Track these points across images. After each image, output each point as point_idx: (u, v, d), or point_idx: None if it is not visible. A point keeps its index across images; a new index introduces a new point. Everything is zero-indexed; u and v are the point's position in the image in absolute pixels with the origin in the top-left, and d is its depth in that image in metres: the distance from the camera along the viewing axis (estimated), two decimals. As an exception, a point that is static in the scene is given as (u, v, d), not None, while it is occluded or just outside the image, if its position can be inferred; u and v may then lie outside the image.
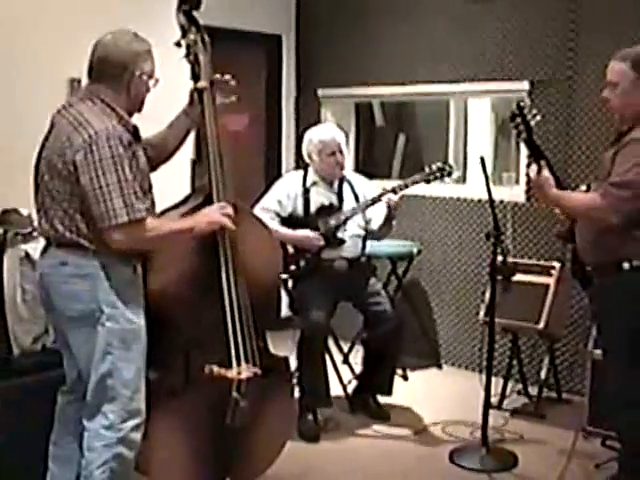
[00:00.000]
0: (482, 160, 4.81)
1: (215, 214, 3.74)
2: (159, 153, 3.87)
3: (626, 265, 3.88)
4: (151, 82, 3.61)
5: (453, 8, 6.52)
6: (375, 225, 5.41)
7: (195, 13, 3.96)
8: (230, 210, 3.78)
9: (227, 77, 3.99)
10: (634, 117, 3.89)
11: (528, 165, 4.08)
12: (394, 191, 5.20)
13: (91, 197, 3.35)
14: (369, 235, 5.49)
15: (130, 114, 3.58)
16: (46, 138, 3.55)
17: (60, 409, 3.79)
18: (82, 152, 3.34)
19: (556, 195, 4.06)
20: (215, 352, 3.82)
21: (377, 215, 5.37)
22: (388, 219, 5.31)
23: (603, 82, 4.01)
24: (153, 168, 3.73)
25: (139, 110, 3.65)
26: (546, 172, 4.04)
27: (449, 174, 5.31)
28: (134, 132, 3.54)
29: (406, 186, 5.23)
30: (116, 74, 3.51)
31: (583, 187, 4.29)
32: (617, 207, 3.80)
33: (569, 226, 4.23)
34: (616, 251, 3.90)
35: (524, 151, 6.12)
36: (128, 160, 3.40)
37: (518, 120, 4.08)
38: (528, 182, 6.02)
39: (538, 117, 4.11)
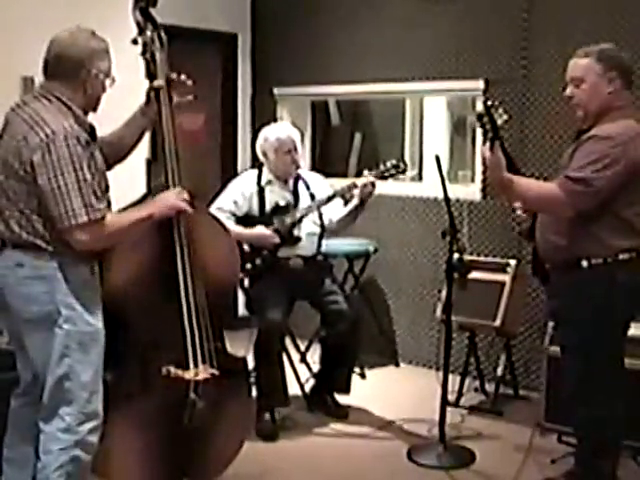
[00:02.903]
0: (437, 158, 4.82)
1: (172, 198, 3.72)
2: (115, 152, 3.83)
3: (585, 263, 3.90)
4: (107, 81, 3.57)
5: (409, 7, 6.53)
6: (335, 218, 5.41)
7: (152, 10, 3.93)
8: (186, 195, 3.77)
9: (183, 77, 3.96)
10: (598, 112, 3.91)
11: (484, 143, 4.00)
12: (349, 188, 5.21)
13: (49, 197, 3.31)
14: (327, 231, 5.49)
15: (85, 113, 3.54)
16: (0, 137, 3.51)
17: (14, 412, 3.74)
18: (39, 152, 3.30)
19: (512, 178, 3.99)
20: (172, 353, 3.81)
21: (336, 210, 5.39)
22: (356, 211, 5.31)
23: (557, 81, 4.04)
24: (108, 167, 3.69)
25: (94, 110, 3.61)
26: (499, 153, 3.98)
27: (403, 171, 5.31)
28: (91, 131, 3.51)
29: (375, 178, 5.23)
30: (72, 72, 3.47)
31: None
32: (571, 200, 3.82)
33: (530, 224, 4.24)
34: (575, 249, 3.92)
35: (479, 149, 6.15)
36: (86, 160, 3.36)
37: (485, 119, 4.04)
38: (484, 180, 6.07)
39: (505, 116, 4.06)
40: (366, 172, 5.25)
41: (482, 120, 4.00)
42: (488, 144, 3.92)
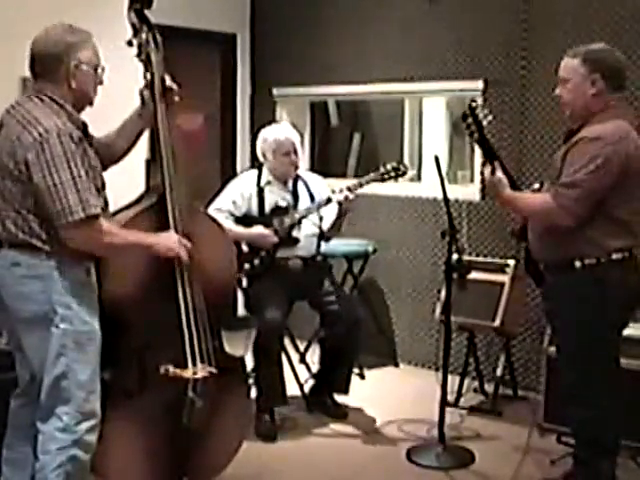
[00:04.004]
0: (437, 159, 4.82)
1: (175, 241, 3.74)
2: (111, 153, 3.84)
3: (578, 264, 3.91)
4: (98, 71, 3.57)
5: (408, 8, 6.53)
6: (325, 226, 5.41)
7: (147, 12, 3.93)
8: (189, 244, 3.79)
9: (169, 83, 3.93)
10: (583, 114, 3.94)
11: (483, 164, 4.09)
12: (349, 190, 5.21)
13: (46, 195, 3.32)
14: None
15: (81, 109, 3.55)
16: None
17: (13, 412, 3.75)
18: (33, 151, 3.31)
19: (509, 196, 4.09)
20: (170, 352, 3.81)
21: (328, 215, 5.38)
22: (339, 219, 5.31)
23: (556, 82, 4.05)
24: (104, 168, 3.70)
25: (91, 104, 3.61)
26: (499, 173, 4.06)
27: (403, 174, 5.31)
28: (83, 129, 3.51)
29: (360, 185, 5.23)
30: (52, 68, 3.47)
31: (536, 185, 4.32)
32: (569, 208, 3.83)
33: (522, 224, 4.25)
34: (568, 249, 3.93)
35: (479, 150, 6.15)
36: (80, 157, 3.37)
37: (470, 120, 4.09)
38: (483, 181, 6.05)
39: (490, 117, 4.12)
40: (339, 189, 5.24)
41: (466, 120, 4.05)
42: (489, 167, 4.01)
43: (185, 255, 3.77)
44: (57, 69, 3.47)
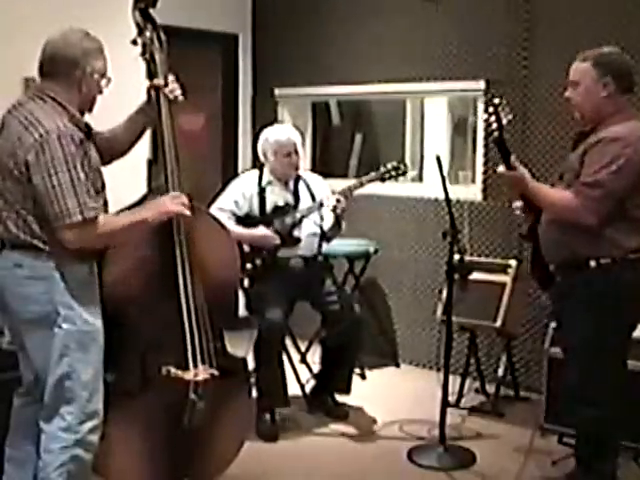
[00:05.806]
0: (438, 159, 4.82)
1: (168, 203, 3.70)
2: (114, 148, 3.85)
3: (593, 263, 3.91)
4: (103, 81, 3.59)
5: (409, 8, 6.53)
6: (326, 226, 5.41)
7: (151, 11, 3.94)
8: (184, 198, 3.75)
9: (171, 83, 3.94)
10: (594, 117, 3.96)
11: (485, 162, 4.07)
12: (349, 189, 5.21)
13: (44, 197, 3.32)
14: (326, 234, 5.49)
15: (81, 113, 3.55)
16: None
17: (16, 411, 3.75)
18: (33, 152, 3.32)
19: (534, 187, 4.08)
20: (172, 354, 3.80)
21: (328, 216, 5.38)
22: (337, 221, 5.32)
23: (558, 82, 4.07)
24: (106, 163, 3.71)
25: (90, 110, 3.62)
26: (521, 167, 4.07)
27: (403, 173, 5.33)
28: (86, 130, 3.52)
29: (361, 184, 5.25)
30: (67, 71, 3.48)
31: (546, 187, 4.32)
32: (591, 207, 3.84)
33: (530, 225, 4.24)
34: (584, 248, 3.93)
35: (480, 150, 6.16)
36: (80, 159, 3.37)
37: (492, 118, 4.08)
38: (486, 180, 6.06)
39: (510, 116, 4.12)
40: (331, 191, 5.27)
41: (489, 120, 4.05)
42: (503, 165, 4.01)
43: (185, 210, 3.71)
44: (71, 72, 3.49)
